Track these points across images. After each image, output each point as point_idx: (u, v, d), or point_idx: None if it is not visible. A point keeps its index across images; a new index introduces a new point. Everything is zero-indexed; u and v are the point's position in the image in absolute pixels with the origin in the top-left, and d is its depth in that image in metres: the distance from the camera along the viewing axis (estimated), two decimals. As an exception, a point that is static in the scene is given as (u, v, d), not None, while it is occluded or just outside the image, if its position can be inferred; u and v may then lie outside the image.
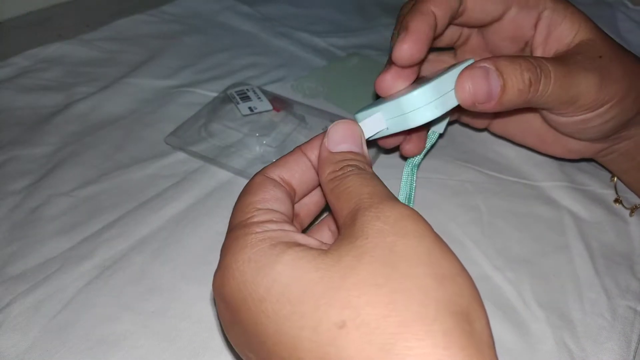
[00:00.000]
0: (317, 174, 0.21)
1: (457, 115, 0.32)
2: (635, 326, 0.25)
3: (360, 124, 0.21)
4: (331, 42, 0.46)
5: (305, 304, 0.15)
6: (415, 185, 0.26)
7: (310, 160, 0.21)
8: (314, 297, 0.15)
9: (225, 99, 0.37)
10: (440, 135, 0.28)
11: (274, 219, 0.18)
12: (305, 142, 0.21)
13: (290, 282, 0.15)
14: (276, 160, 0.21)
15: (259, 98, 0.36)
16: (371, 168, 0.20)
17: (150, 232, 0.29)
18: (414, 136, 0.28)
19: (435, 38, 0.25)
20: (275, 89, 0.39)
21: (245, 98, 0.36)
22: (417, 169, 0.27)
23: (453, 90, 0.23)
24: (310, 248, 0.17)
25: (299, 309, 0.15)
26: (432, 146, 0.28)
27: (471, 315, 0.15)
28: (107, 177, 0.32)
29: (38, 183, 0.31)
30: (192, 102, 0.38)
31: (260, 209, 0.18)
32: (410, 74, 0.25)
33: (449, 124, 0.30)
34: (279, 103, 0.36)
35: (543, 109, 0.26)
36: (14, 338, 0.24)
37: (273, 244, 0.17)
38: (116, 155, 0.34)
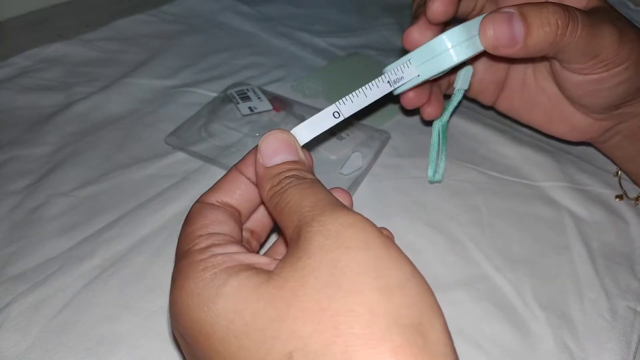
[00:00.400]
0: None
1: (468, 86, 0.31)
2: (635, 326, 0.25)
3: (293, 130, 0.21)
4: (331, 42, 0.46)
5: (251, 337, 0.14)
6: (446, 148, 0.28)
7: (248, 178, 0.20)
8: (259, 330, 0.14)
9: (225, 99, 0.37)
10: (465, 92, 0.29)
11: (217, 242, 0.18)
12: (240, 160, 0.21)
13: (233, 316, 0.15)
14: (213, 185, 0.21)
15: (259, 98, 0.36)
16: (312, 173, 0.19)
17: (151, 232, 0.29)
18: (433, 99, 0.29)
19: None
20: (275, 89, 0.39)
21: (245, 98, 0.36)
22: (446, 129, 0.29)
23: (474, 37, 0.23)
24: (257, 271, 0.16)
25: (246, 343, 0.14)
26: (459, 104, 0.29)
27: (424, 326, 0.14)
28: (107, 177, 0.32)
29: (38, 183, 0.31)
30: (192, 102, 0.38)
31: (201, 235, 0.18)
32: (436, 30, 0.27)
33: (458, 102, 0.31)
34: (279, 103, 0.36)
35: (563, 61, 0.26)
36: (14, 338, 0.24)
37: (215, 273, 0.16)
38: (116, 155, 0.34)
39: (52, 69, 0.41)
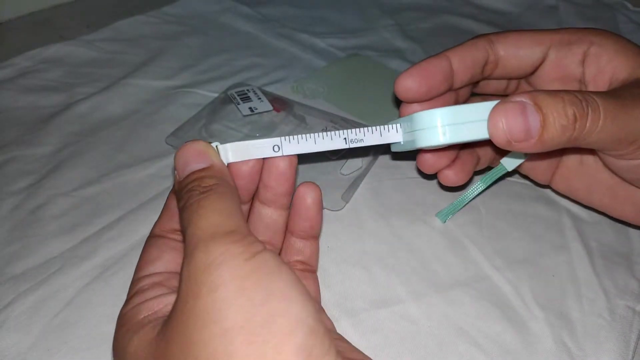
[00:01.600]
0: None
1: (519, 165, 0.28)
2: (634, 326, 0.25)
3: (225, 145, 0.20)
4: (331, 43, 0.46)
5: None
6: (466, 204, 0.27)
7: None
8: None
9: (225, 99, 0.37)
10: (508, 174, 0.26)
11: (142, 288, 0.18)
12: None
13: None
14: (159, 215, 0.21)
15: (260, 99, 0.36)
16: (226, 175, 0.18)
17: (151, 232, 0.29)
18: (458, 161, 0.25)
19: (456, 89, 0.25)
20: (276, 89, 0.39)
21: (245, 99, 0.36)
22: (475, 196, 0.27)
23: (476, 122, 0.20)
24: (154, 325, 0.16)
25: None
26: (493, 183, 0.26)
27: None
28: (108, 178, 0.32)
29: (39, 183, 0.32)
30: (192, 103, 0.38)
31: (134, 281, 0.19)
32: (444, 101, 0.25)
33: (508, 175, 0.29)
34: (280, 104, 0.36)
35: (597, 149, 0.23)
36: (15, 337, 0.24)
37: (127, 330, 0.17)
38: (117, 156, 0.34)
39: (53, 69, 0.41)
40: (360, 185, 0.32)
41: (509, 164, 0.26)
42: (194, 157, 0.18)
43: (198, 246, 0.15)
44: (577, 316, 0.25)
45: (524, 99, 0.20)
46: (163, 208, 0.21)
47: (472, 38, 0.25)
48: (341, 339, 0.21)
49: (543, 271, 0.28)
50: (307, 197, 0.21)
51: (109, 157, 0.34)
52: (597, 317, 0.25)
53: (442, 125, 0.20)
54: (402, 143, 0.22)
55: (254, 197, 0.22)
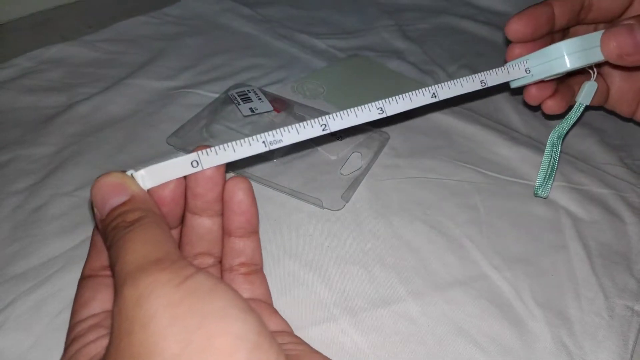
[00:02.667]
0: None
1: (605, 98, 0.32)
2: (632, 325, 0.25)
3: (142, 170, 0.19)
4: (331, 43, 0.46)
5: None
6: (559, 159, 0.29)
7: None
8: None
9: (226, 100, 0.37)
10: (587, 108, 0.29)
11: (78, 334, 0.17)
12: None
13: None
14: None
15: (260, 99, 0.37)
16: (148, 204, 0.17)
17: (152, 232, 0.29)
18: (558, 94, 0.29)
19: (555, 32, 0.28)
20: (276, 90, 0.39)
21: (246, 99, 0.37)
22: (562, 141, 0.29)
23: (597, 47, 0.25)
24: None
25: None
26: (578, 119, 0.29)
27: None
28: (108, 177, 0.32)
29: (40, 183, 0.32)
30: (193, 103, 0.38)
31: (71, 326, 0.18)
32: (537, 46, 0.27)
33: (593, 108, 0.33)
34: (280, 104, 0.37)
35: None
36: (16, 337, 0.24)
37: None
38: (118, 156, 0.34)
39: (54, 70, 0.41)
40: (360, 185, 0.32)
41: (584, 97, 0.29)
42: (112, 191, 0.18)
43: (126, 281, 0.15)
44: (575, 315, 0.26)
45: (630, 21, 0.24)
46: (90, 246, 0.19)
47: None
48: (299, 342, 0.20)
49: (542, 270, 0.28)
50: (237, 190, 0.20)
51: (109, 158, 0.34)
52: (595, 316, 0.26)
53: (567, 54, 0.25)
54: (531, 75, 0.27)
55: (184, 209, 0.21)
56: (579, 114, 0.29)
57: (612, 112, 0.34)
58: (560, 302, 0.26)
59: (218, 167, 0.20)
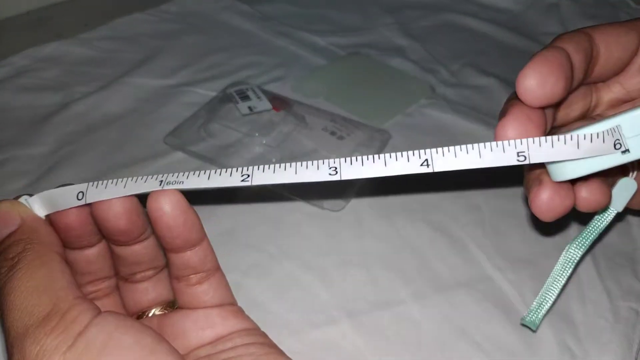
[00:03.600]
0: None
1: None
2: (637, 327, 0.25)
3: (35, 196, 0.18)
4: (331, 41, 0.45)
5: None
6: (563, 288, 0.21)
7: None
8: None
9: (224, 98, 0.37)
10: (618, 215, 0.21)
11: None
12: None
13: None
14: None
15: (259, 97, 0.36)
16: (35, 231, 0.16)
17: (149, 233, 0.29)
18: (595, 185, 0.19)
19: (572, 90, 0.19)
20: (275, 88, 0.39)
21: (244, 97, 0.36)
22: (575, 266, 0.20)
23: None
24: None
25: None
26: (602, 230, 0.21)
27: None
28: (105, 177, 0.32)
29: (36, 183, 0.31)
30: (191, 102, 0.38)
31: None
32: (538, 123, 0.18)
33: (631, 212, 0.25)
34: (279, 103, 0.36)
35: None
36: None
37: None
38: (115, 155, 0.33)
39: (51, 68, 0.41)
40: (360, 185, 0.32)
41: (618, 203, 0.20)
42: (1, 221, 0.16)
43: (14, 346, 0.14)
44: (579, 318, 0.25)
45: None
46: None
47: (565, 34, 0.19)
48: (265, 343, 0.18)
49: (545, 272, 0.27)
50: (163, 206, 0.17)
51: (106, 157, 0.33)
52: (600, 319, 0.25)
53: None
54: (629, 151, 0.16)
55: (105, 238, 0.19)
56: (607, 222, 0.20)
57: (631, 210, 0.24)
58: (564, 304, 0.26)
59: (125, 205, 0.17)
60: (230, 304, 0.20)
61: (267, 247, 0.28)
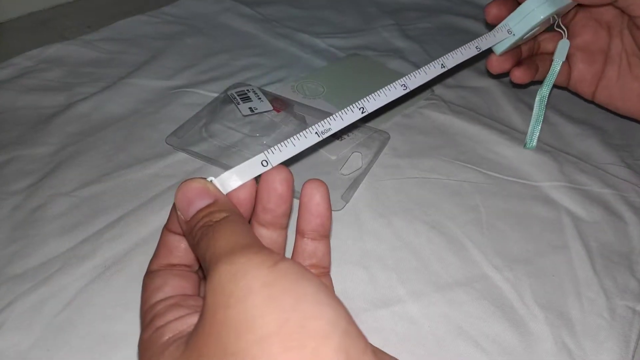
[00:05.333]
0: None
1: (567, 79, 0.35)
2: (634, 326, 0.25)
3: (219, 177, 0.20)
4: (331, 43, 0.46)
5: None
6: (542, 119, 0.34)
7: (179, 234, 0.20)
8: None
9: (225, 99, 0.37)
10: (553, 88, 0.33)
11: (159, 313, 0.18)
12: (167, 219, 0.20)
13: None
14: (154, 251, 0.20)
15: (260, 99, 0.37)
16: (229, 209, 0.18)
17: (151, 232, 0.29)
18: (524, 65, 0.33)
19: None
20: (276, 89, 0.39)
21: (245, 99, 0.36)
22: (545, 101, 0.33)
23: None
24: (177, 344, 0.16)
25: None
26: (556, 75, 0.33)
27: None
28: (108, 177, 0.32)
29: (39, 183, 0.32)
30: (192, 103, 0.38)
31: (146, 310, 0.18)
32: (510, 4, 0.31)
33: (559, 88, 0.37)
34: (280, 104, 0.36)
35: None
36: (16, 337, 0.24)
37: (153, 353, 0.16)
38: (117, 156, 0.34)
39: (54, 69, 0.41)
40: (360, 185, 0.32)
41: (558, 54, 0.33)
42: (197, 195, 0.18)
43: (221, 259, 0.15)
44: (577, 316, 0.25)
45: None
46: (158, 245, 0.20)
47: None
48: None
49: (543, 271, 0.28)
50: (315, 193, 0.21)
51: (109, 157, 0.34)
52: (597, 317, 0.25)
53: (537, 6, 0.29)
54: (513, 35, 0.30)
55: (252, 218, 0.22)
56: (556, 70, 0.33)
57: (575, 94, 0.36)
58: (562, 303, 0.26)
59: (288, 184, 0.21)
60: None
61: (267, 246, 0.28)
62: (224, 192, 0.20)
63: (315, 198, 0.21)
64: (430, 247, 0.29)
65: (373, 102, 0.24)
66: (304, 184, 0.21)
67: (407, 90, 0.25)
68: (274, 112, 0.36)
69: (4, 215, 0.30)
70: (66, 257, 0.27)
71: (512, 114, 0.38)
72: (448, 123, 0.37)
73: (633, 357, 0.24)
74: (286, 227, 0.22)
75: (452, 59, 0.28)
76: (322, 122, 0.23)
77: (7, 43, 0.45)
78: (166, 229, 0.20)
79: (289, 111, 0.36)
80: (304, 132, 0.22)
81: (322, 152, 0.34)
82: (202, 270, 0.19)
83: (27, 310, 0.25)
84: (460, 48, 0.28)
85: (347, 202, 0.31)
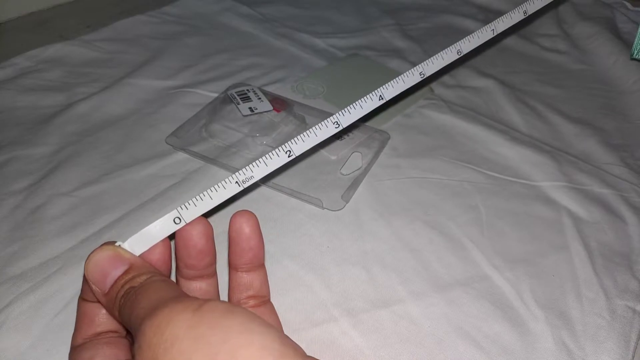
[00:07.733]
0: None
1: None
2: (634, 326, 0.25)
3: (128, 240, 0.19)
4: (331, 42, 0.46)
5: None
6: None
7: (97, 301, 0.19)
8: None
9: (225, 99, 0.37)
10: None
11: None
12: (81, 291, 0.19)
13: None
14: (75, 326, 0.20)
15: (259, 99, 0.36)
16: (149, 272, 0.18)
17: (151, 232, 0.29)
18: None
19: None
20: (276, 89, 0.39)
21: (245, 98, 0.36)
22: None
23: None
24: None
25: None
26: None
27: None
28: (107, 177, 0.32)
29: (39, 183, 0.32)
30: (192, 103, 0.38)
31: None
32: None
33: None
34: (279, 104, 0.36)
35: None
36: (15, 337, 0.24)
37: None
38: (117, 156, 0.34)
39: (53, 69, 0.41)
40: (360, 185, 0.32)
41: None
42: (110, 264, 0.18)
43: (144, 319, 0.15)
44: (577, 316, 0.25)
45: None
46: (77, 318, 0.19)
47: None
48: None
49: (543, 271, 0.28)
50: (245, 226, 0.20)
51: (108, 157, 0.34)
52: (597, 317, 0.25)
53: None
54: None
55: (177, 274, 0.21)
56: None
57: None
58: (562, 303, 0.26)
59: (207, 237, 0.20)
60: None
61: (267, 246, 0.28)
62: (137, 254, 0.19)
63: (244, 232, 0.20)
64: (430, 247, 0.29)
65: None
66: (231, 217, 0.20)
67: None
68: (274, 112, 0.36)
69: (3, 215, 0.30)
70: (66, 257, 0.27)
71: (512, 114, 0.38)
72: (448, 123, 0.37)
73: (633, 357, 0.24)
74: (214, 274, 0.21)
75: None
76: (243, 169, 0.20)
77: (7, 43, 0.45)
78: (81, 298, 0.19)
79: (289, 111, 0.36)
80: (223, 182, 0.20)
81: (322, 152, 0.34)
82: (131, 335, 0.18)
83: (26, 310, 0.25)
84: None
85: (347, 202, 0.31)
